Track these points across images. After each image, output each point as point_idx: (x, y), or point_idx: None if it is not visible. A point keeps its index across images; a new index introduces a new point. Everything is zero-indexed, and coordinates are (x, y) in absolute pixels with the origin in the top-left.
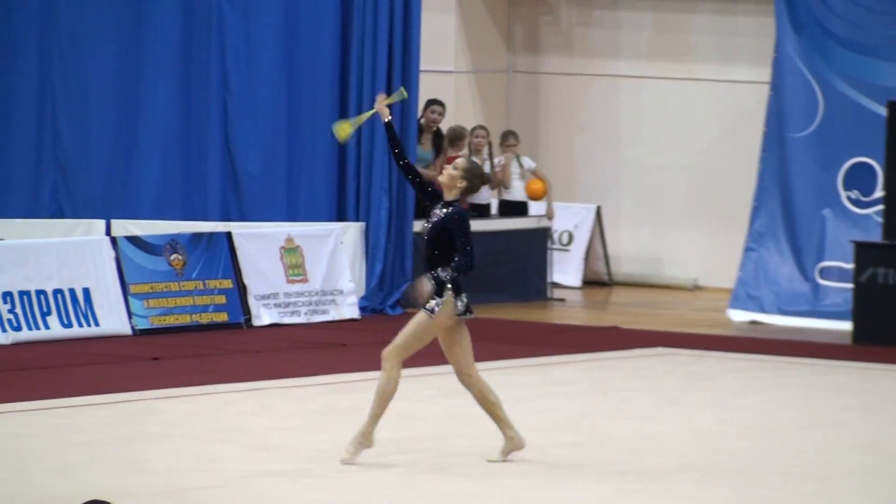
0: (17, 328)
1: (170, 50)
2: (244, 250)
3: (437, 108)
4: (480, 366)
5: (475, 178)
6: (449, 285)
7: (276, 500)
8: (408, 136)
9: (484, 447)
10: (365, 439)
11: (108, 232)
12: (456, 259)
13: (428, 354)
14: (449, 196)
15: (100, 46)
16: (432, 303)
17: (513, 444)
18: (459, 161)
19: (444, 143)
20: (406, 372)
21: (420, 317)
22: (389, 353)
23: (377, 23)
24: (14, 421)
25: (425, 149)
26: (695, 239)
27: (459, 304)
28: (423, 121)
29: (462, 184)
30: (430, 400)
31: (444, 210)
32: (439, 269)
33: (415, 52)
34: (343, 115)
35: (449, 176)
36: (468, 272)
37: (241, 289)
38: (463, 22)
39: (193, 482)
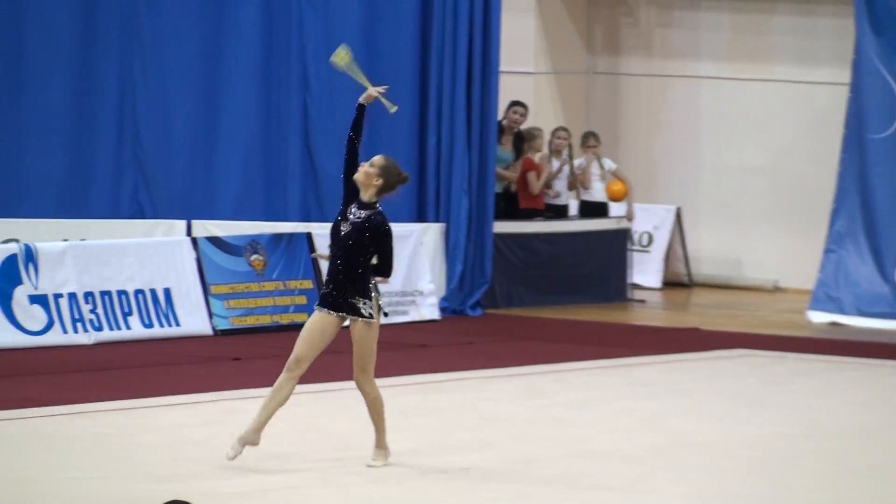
0: (99, 328)
1: (250, 50)
2: (324, 251)
3: (518, 109)
4: (561, 367)
5: (392, 176)
6: (376, 288)
7: (356, 500)
8: (487, 136)
9: (566, 449)
10: (385, 449)
11: (188, 232)
12: (383, 266)
13: (509, 357)
14: (365, 195)
15: (180, 46)
16: (367, 310)
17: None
18: (377, 158)
19: (523, 144)
20: (490, 373)
21: (361, 330)
22: (361, 380)
23: (457, 23)
24: (95, 421)
25: (506, 150)
26: (775, 240)
27: (385, 307)
28: (504, 122)
29: (378, 182)
30: (513, 402)
31: (364, 212)
32: (376, 278)
33: (494, 52)
34: (423, 119)
35: (365, 174)
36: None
37: (321, 289)
38: (543, 23)
39: (275, 483)
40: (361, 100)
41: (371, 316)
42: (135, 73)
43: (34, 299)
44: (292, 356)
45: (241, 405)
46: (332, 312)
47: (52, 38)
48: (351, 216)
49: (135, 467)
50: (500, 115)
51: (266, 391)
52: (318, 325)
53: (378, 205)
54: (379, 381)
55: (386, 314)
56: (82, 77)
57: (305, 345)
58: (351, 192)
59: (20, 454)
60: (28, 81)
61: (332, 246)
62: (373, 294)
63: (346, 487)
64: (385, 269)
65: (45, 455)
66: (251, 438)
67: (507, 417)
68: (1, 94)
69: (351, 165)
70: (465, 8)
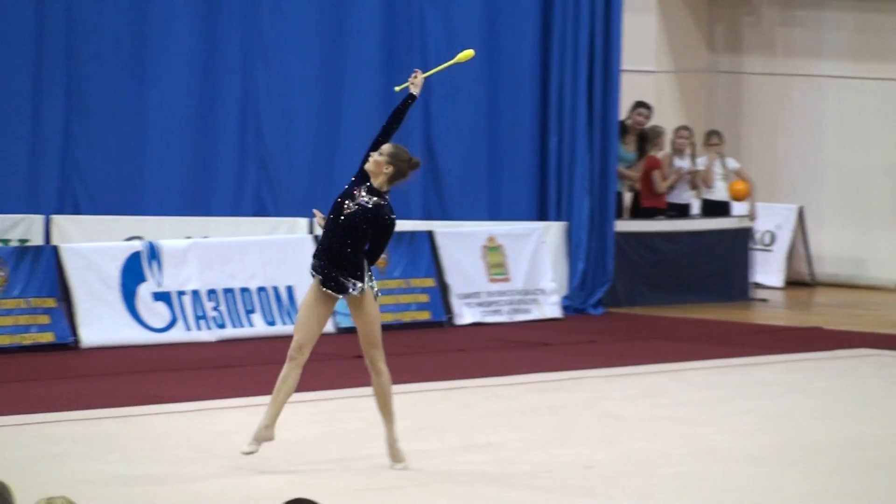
0: (222, 325)
1: (371, 49)
2: (446, 249)
3: (643, 110)
4: (683, 366)
5: (402, 162)
6: (368, 268)
7: (478, 499)
8: (608, 135)
9: (687, 448)
10: (395, 442)
11: (310, 230)
12: (371, 254)
13: (631, 356)
14: (376, 182)
15: (302, 44)
16: (355, 286)
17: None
18: (385, 146)
19: (646, 144)
20: (612, 372)
21: (355, 303)
22: (372, 354)
23: (578, 22)
24: (216, 418)
25: (629, 149)
26: None
27: (375, 286)
28: (629, 122)
29: (388, 169)
30: (634, 400)
31: (373, 199)
32: (369, 270)
33: (615, 51)
34: (544, 118)
35: (375, 162)
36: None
37: (443, 288)
38: (664, 22)
39: (396, 481)
40: (412, 90)
41: (362, 290)
42: (257, 71)
43: (158, 296)
44: (293, 343)
45: (362, 402)
46: (322, 287)
47: (175, 36)
48: (359, 198)
49: (256, 464)
50: (623, 114)
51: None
52: (312, 304)
53: (388, 194)
54: (501, 380)
55: (376, 296)
56: (205, 75)
57: (304, 330)
58: (364, 173)
59: (143, 451)
60: (151, 79)
61: (331, 219)
62: (365, 275)
63: (467, 486)
64: (371, 258)
65: (166, 452)
66: (265, 434)
67: (629, 416)
68: (124, 92)
69: (375, 147)
70: (587, 7)
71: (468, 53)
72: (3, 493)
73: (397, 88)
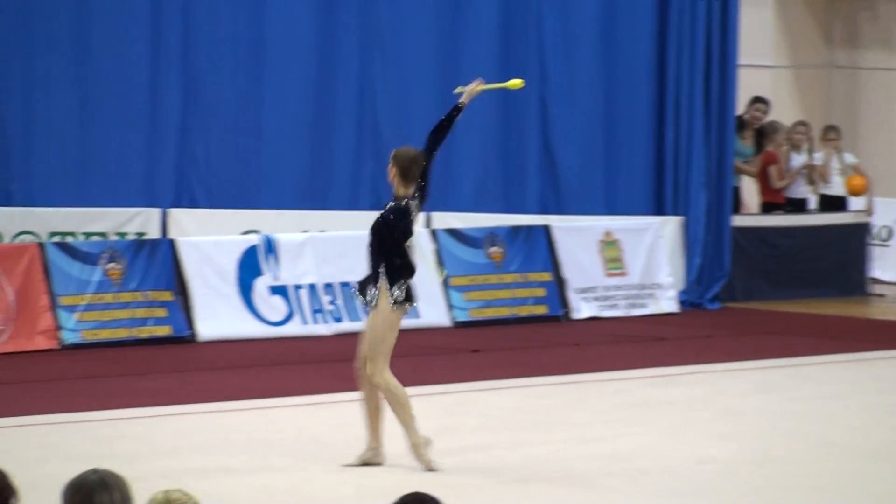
0: (339, 319)
1: (487, 44)
2: (563, 243)
3: (760, 105)
4: (800, 361)
5: (405, 159)
6: (385, 277)
7: (595, 491)
8: (725, 130)
9: (805, 443)
10: (422, 446)
11: (427, 224)
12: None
13: (747, 351)
14: (395, 190)
15: (419, 39)
16: (371, 297)
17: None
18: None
19: (763, 139)
20: (728, 367)
21: (370, 315)
22: (368, 369)
23: (694, 17)
24: (335, 412)
25: (746, 144)
26: None
27: (396, 292)
28: (746, 117)
29: (394, 171)
30: (751, 396)
31: (389, 205)
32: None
33: (732, 46)
34: (661, 113)
35: (389, 172)
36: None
37: (560, 282)
38: (781, 17)
39: (512, 475)
40: (465, 101)
41: (371, 302)
42: (374, 65)
43: (275, 290)
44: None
45: (478, 397)
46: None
47: (292, 30)
48: (384, 211)
49: None
50: (741, 109)
51: (503, 382)
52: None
53: (412, 197)
54: (617, 374)
55: (396, 302)
56: (321, 68)
57: (360, 343)
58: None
59: (260, 445)
60: (267, 73)
61: None
62: (380, 282)
63: (584, 480)
64: (388, 262)
65: (282, 446)
66: (371, 457)
67: (745, 411)
68: (241, 85)
69: (428, 159)
70: (703, 2)
71: (517, 83)
72: (120, 486)
73: (457, 90)
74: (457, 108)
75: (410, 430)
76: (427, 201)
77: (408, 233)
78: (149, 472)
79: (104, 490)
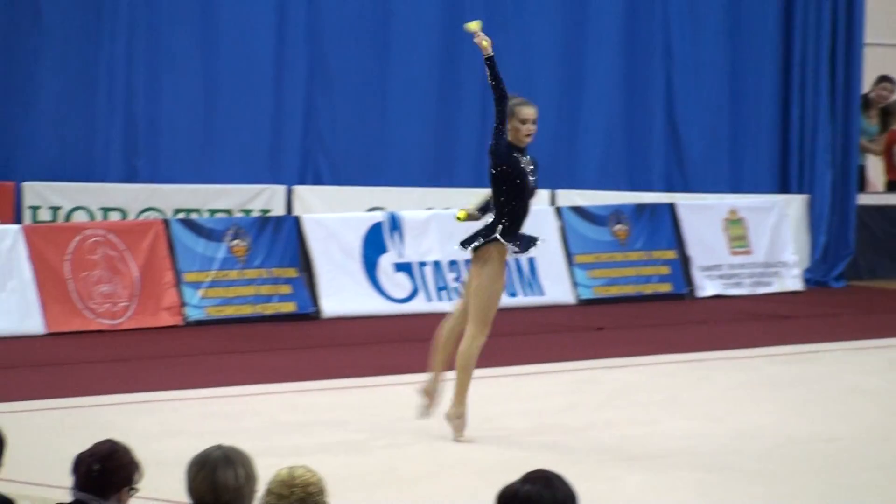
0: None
1: (613, 22)
2: (688, 222)
3: (887, 84)
4: None
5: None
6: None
7: (720, 471)
8: (850, 109)
9: None
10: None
11: (552, 202)
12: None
13: (873, 329)
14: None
15: (544, 19)
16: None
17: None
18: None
19: (889, 118)
20: (854, 345)
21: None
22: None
23: None
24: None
25: (872, 123)
26: None
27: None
28: (872, 95)
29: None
30: (877, 374)
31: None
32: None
33: (859, 24)
34: (786, 91)
35: (530, 134)
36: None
37: (685, 260)
38: None
39: (639, 451)
40: (484, 54)
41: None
42: (498, 42)
43: (399, 267)
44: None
45: (603, 374)
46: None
47: (417, 8)
48: (528, 167)
49: (497, 436)
50: (867, 88)
51: (628, 360)
52: None
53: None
54: (741, 353)
55: (464, 247)
56: (446, 46)
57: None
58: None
59: (385, 421)
60: (393, 50)
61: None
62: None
63: (708, 459)
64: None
65: (408, 423)
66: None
67: (872, 390)
68: (366, 63)
69: (500, 108)
70: None
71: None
72: (245, 462)
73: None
74: (486, 61)
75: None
76: (569, 178)
77: None
78: (274, 447)
79: (228, 466)
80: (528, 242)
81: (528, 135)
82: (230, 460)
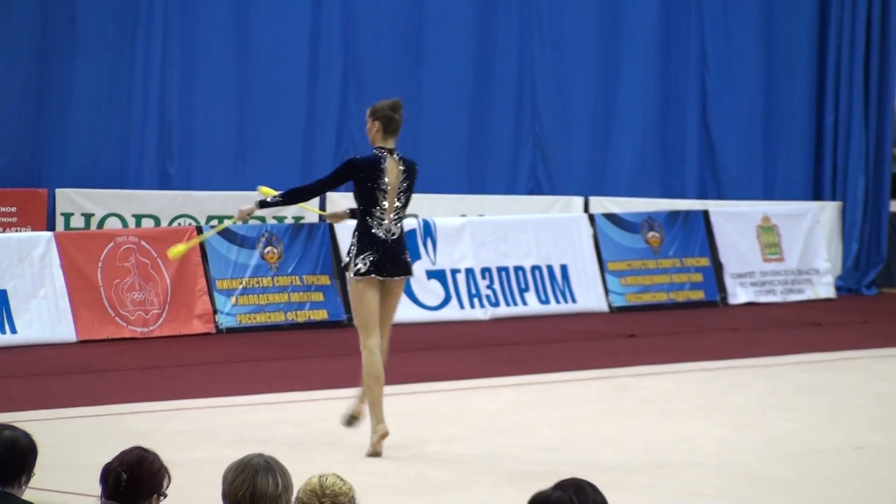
0: (496, 304)
1: (648, 29)
2: (721, 228)
3: None
4: None
5: (382, 109)
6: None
7: (749, 479)
8: (884, 116)
9: None
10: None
11: (585, 209)
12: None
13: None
14: (377, 144)
15: (579, 26)
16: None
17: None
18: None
19: None
20: (885, 353)
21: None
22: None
23: (855, 3)
24: (491, 396)
25: None
26: None
27: (360, 264)
28: None
29: (374, 126)
30: None
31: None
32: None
33: (893, 31)
34: (820, 98)
35: (367, 130)
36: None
37: (717, 267)
38: None
39: (669, 459)
40: (254, 211)
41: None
42: (533, 50)
43: (432, 274)
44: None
45: (635, 381)
46: None
47: (452, 14)
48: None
49: (529, 442)
50: None
51: (660, 368)
52: None
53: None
54: (773, 360)
55: (346, 268)
56: (481, 53)
57: None
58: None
59: (416, 428)
60: (427, 57)
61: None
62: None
63: (737, 468)
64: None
65: (440, 430)
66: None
67: None
68: (400, 69)
69: (315, 193)
70: None
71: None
72: (283, 471)
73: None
74: (262, 203)
75: (375, 407)
76: (602, 186)
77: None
78: (304, 455)
79: (268, 473)
80: None
81: None
82: (270, 468)
